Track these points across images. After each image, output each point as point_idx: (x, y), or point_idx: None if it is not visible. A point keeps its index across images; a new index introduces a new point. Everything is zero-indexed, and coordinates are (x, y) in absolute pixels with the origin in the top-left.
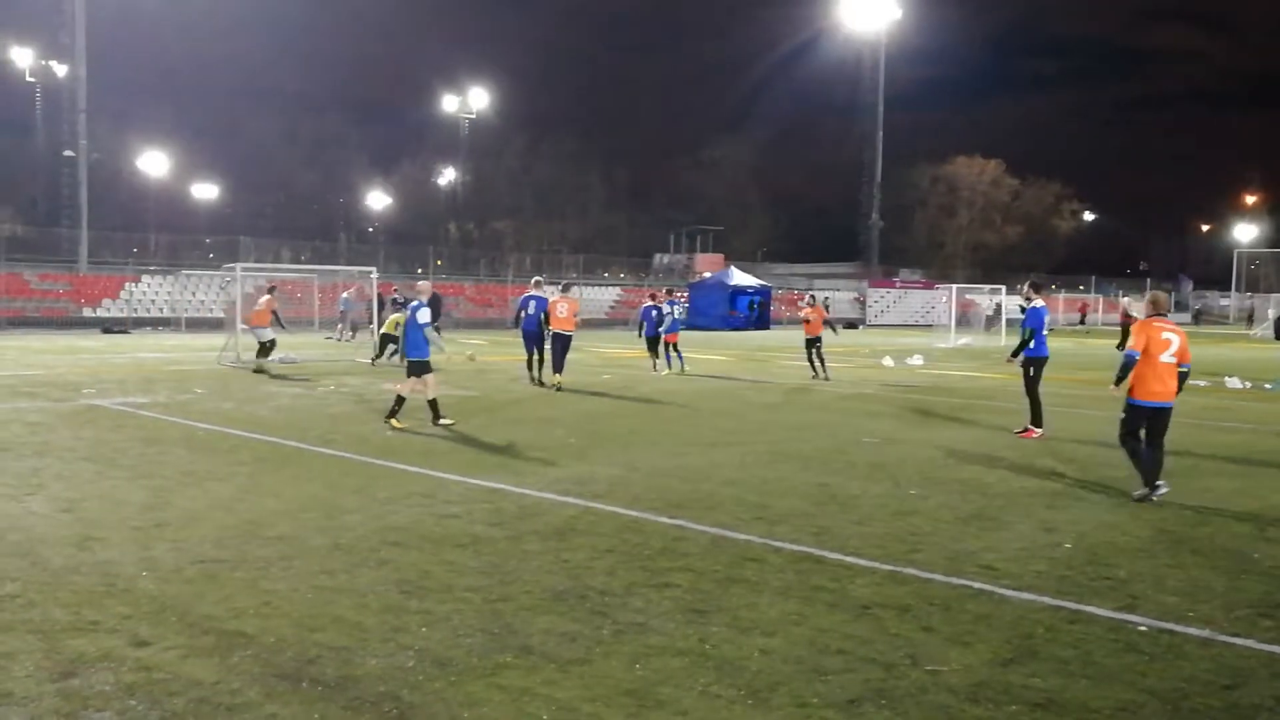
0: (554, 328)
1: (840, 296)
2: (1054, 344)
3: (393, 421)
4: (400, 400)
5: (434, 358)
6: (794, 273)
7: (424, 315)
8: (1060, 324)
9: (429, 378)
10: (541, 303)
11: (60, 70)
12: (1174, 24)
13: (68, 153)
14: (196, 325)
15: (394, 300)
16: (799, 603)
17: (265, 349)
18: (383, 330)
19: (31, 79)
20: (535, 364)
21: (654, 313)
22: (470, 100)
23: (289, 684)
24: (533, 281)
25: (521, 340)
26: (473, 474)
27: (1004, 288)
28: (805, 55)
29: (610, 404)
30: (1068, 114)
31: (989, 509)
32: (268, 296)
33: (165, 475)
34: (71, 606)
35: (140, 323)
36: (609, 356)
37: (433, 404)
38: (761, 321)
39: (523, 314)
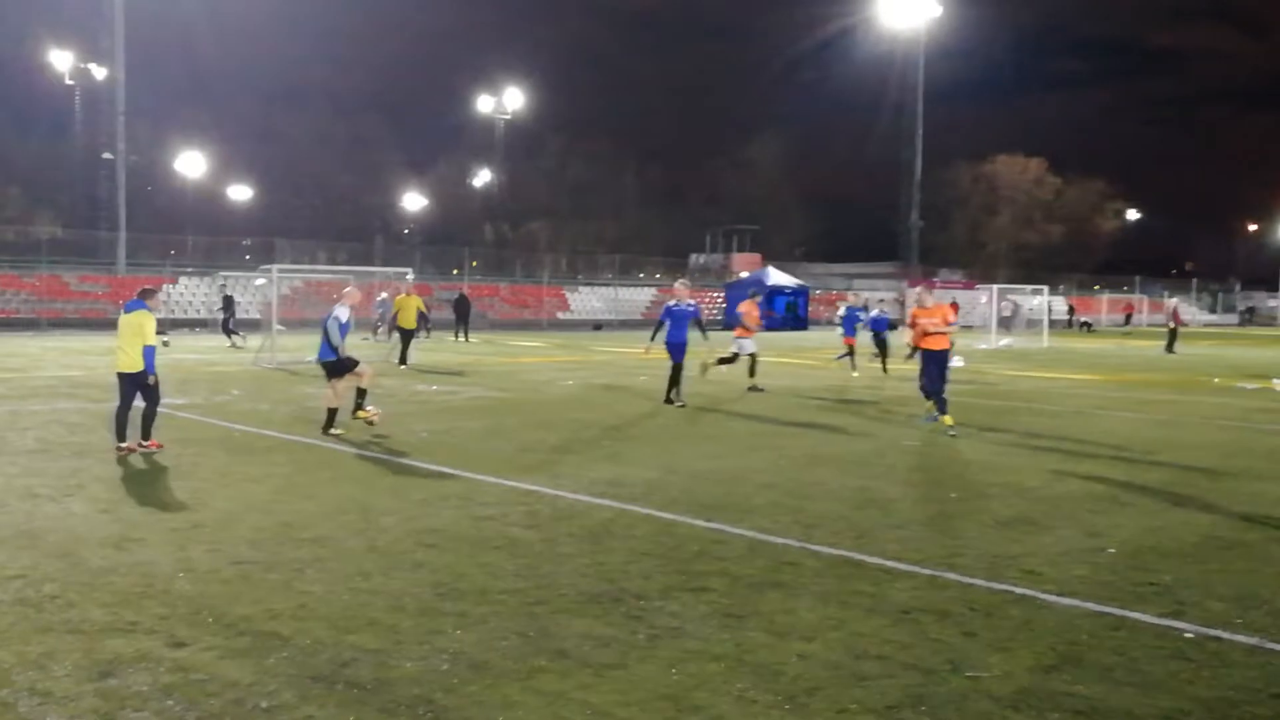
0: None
1: (879, 297)
2: (1093, 345)
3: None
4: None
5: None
6: (832, 272)
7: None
8: (1105, 324)
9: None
10: (684, 314)
11: (99, 73)
12: (1206, 23)
13: (106, 155)
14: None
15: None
16: (837, 607)
17: (747, 359)
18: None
19: (70, 82)
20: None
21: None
22: (505, 101)
23: (324, 686)
24: (677, 284)
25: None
26: (508, 475)
27: (1046, 288)
28: (842, 53)
29: (645, 406)
30: (1108, 112)
31: (1030, 513)
32: (749, 301)
33: (202, 476)
34: (110, 607)
35: (177, 324)
36: (644, 359)
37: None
38: (799, 322)
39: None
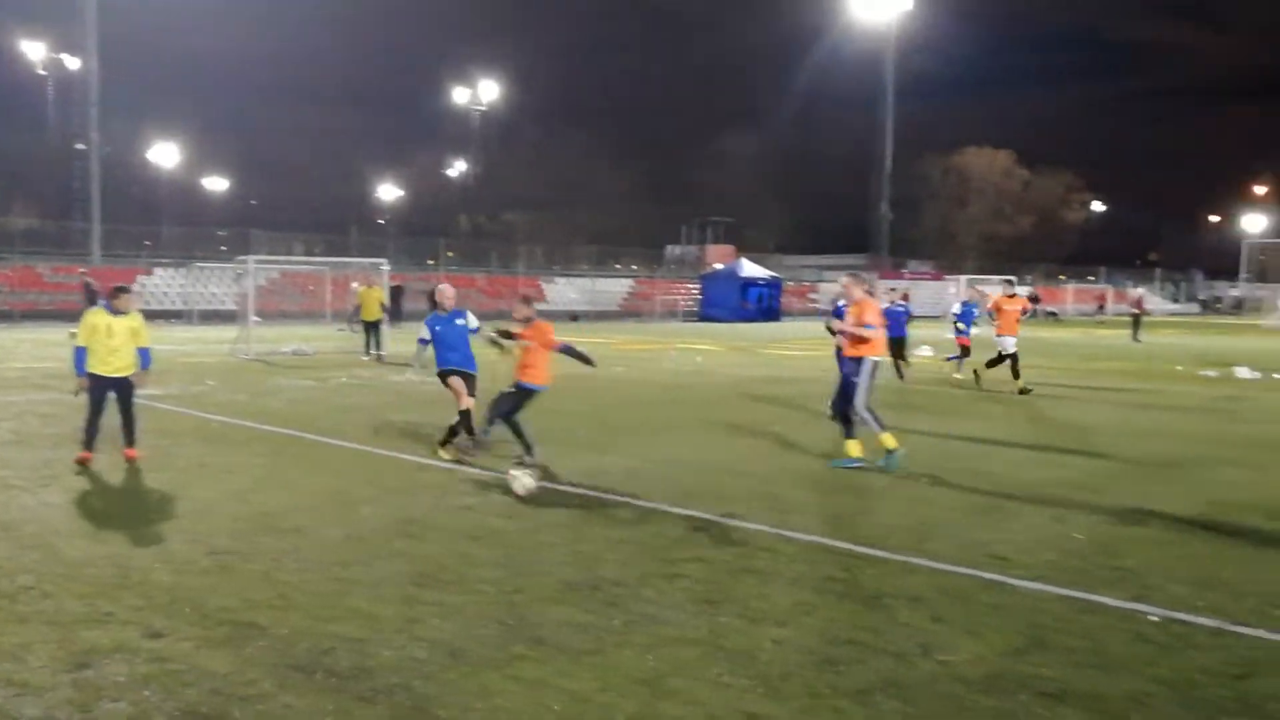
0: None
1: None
2: (1059, 334)
3: None
4: None
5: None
6: (804, 264)
7: None
8: (1070, 314)
9: None
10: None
11: (72, 63)
12: (1171, 20)
13: (80, 145)
14: (210, 318)
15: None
16: (810, 593)
17: (1011, 361)
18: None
19: (43, 72)
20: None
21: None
22: (481, 92)
23: (303, 675)
24: (844, 280)
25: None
26: (486, 465)
27: (1014, 278)
28: (817, 47)
29: (621, 396)
30: (1074, 106)
31: (1000, 499)
32: (1001, 293)
33: (178, 467)
34: (86, 598)
35: (152, 315)
36: (621, 349)
37: None
38: (771, 313)
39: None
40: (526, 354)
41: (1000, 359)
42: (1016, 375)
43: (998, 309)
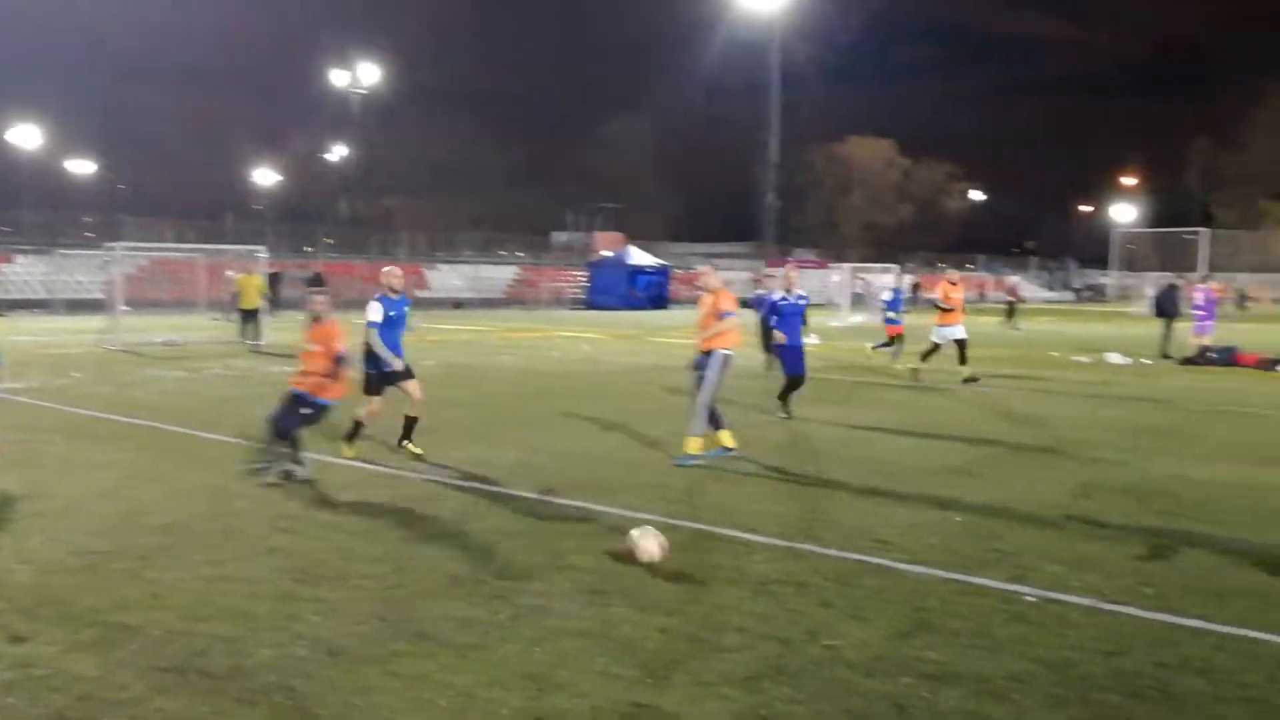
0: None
1: (737, 276)
2: (920, 321)
3: None
4: None
5: None
6: (692, 252)
7: None
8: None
9: None
10: (796, 309)
11: None
12: (1044, 13)
13: None
14: (75, 307)
15: None
16: (698, 581)
17: (931, 349)
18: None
19: None
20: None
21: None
22: (360, 75)
23: (176, 676)
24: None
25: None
26: (367, 458)
27: (898, 266)
28: (705, 35)
29: (507, 385)
30: (953, 97)
31: (883, 484)
32: (945, 282)
33: (41, 464)
34: None
35: (13, 305)
36: (507, 337)
37: None
38: (659, 301)
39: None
40: (314, 360)
41: (962, 348)
42: (925, 359)
43: (945, 297)
